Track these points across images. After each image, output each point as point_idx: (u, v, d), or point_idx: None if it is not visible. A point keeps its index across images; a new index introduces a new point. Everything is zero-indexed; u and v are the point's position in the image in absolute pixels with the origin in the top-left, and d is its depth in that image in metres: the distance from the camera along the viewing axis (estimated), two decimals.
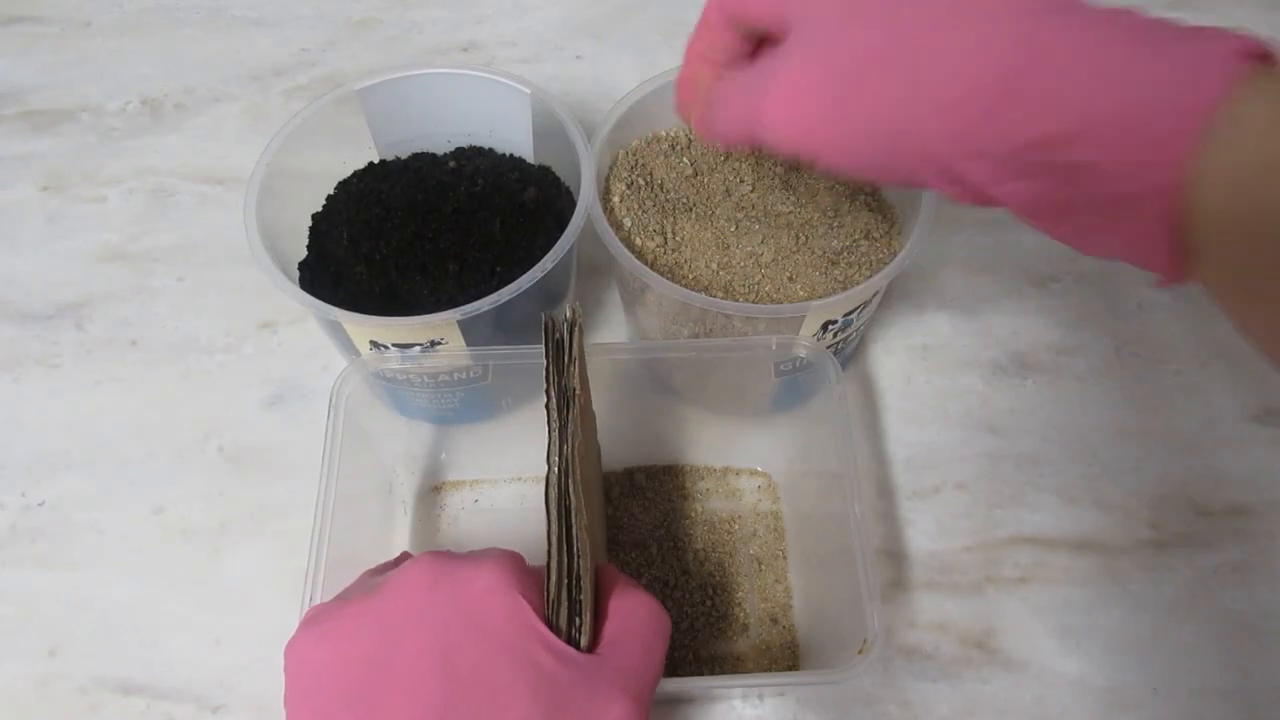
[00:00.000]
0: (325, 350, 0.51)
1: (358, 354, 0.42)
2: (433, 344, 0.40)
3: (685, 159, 0.50)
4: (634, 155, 0.49)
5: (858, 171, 0.28)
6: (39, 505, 0.46)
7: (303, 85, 0.63)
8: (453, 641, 0.27)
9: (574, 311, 0.33)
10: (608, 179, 0.48)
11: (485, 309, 0.38)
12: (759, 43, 0.31)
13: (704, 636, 0.42)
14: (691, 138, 0.50)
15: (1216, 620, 0.43)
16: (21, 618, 0.43)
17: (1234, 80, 0.21)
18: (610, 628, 0.30)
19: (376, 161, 0.50)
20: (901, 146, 0.26)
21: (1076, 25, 0.23)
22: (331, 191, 0.49)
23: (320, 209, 0.48)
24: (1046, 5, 0.24)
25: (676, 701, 0.41)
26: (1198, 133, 0.21)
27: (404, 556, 0.34)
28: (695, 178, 0.50)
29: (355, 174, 0.49)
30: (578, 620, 0.29)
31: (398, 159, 0.50)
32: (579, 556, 0.29)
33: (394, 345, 0.40)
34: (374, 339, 0.40)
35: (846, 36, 0.26)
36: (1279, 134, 0.20)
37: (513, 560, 0.30)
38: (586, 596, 0.29)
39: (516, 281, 0.39)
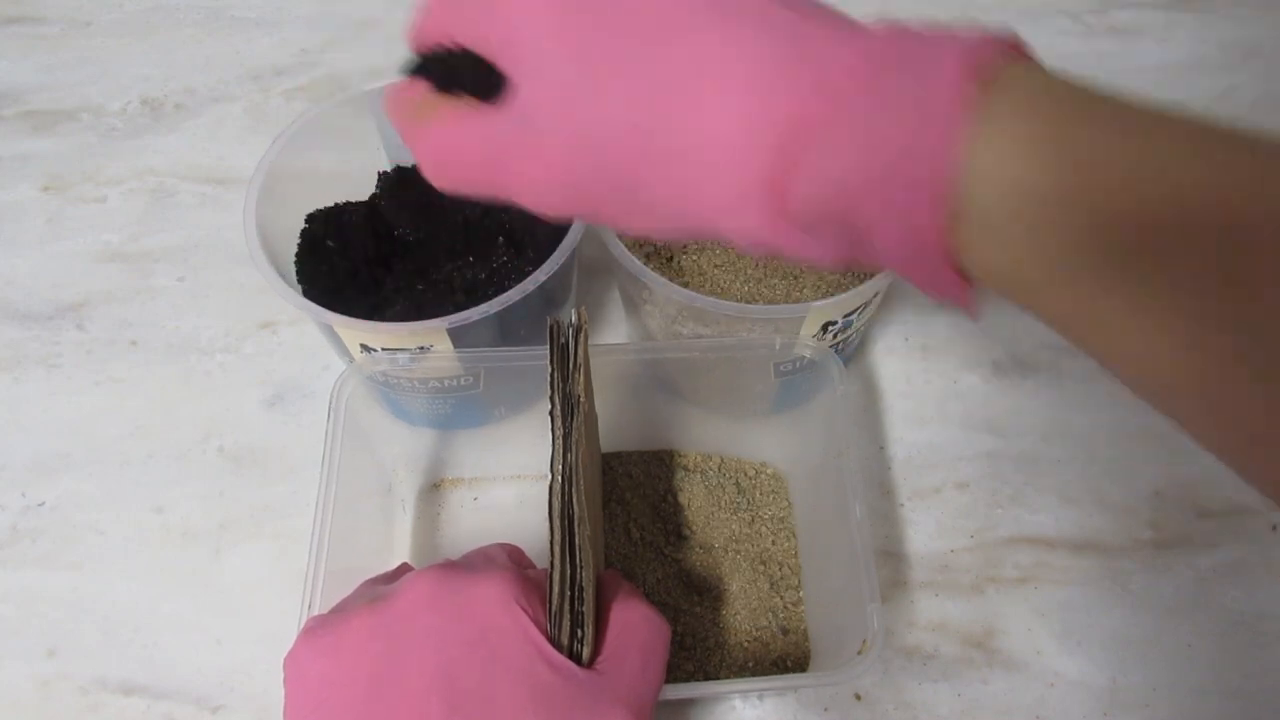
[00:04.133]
0: (325, 350, 0.51)
1: (351, 357, 0.42)
2: (422, 350, 0.40)
3: None
4: None
5: (640, 235, 0.26)
6: (39, 506, 0.46)
7: (303, 85, 0.63)
8: (454, 658, 0.27)
9: (579, 315, 0.32)
10: None
11: (474, 319, 0.38)
12: None
13: (705, 638, 0.42)
14: None
15: (1216, 620, 0.43)
16: (22, 618, 0.43)
17: (962, 119, 0.20)
18: (610, 639, 0.30)
19: (380, 163, 0.50)
20: (681, 221, 0.24)
21: (833, 88, 0.21)
22: (332, 192, 0.49)
23: (320, 209, 0.48)
24: (794, 54, 0.21)
25: (677, 702, 0.41)
26: (943, 191, 0.20)
27: (404, 568, 0.34)
28: None
29: (356, 175, 0.49)
30: (579, 632, 0.28)
31: (397, 162, 0.50)
32: (581, 567, 0.29)
33: (383, 349, 0.40)
34: (364, 342, 0.40)
35: (587, 105, 0.23)
36: (1013, 191, 0.20)
37: (514, 569, 0.30)
38: (588, 608, 0.29)
39: (507, 294, 0.39)
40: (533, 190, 0.25)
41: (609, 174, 0.23)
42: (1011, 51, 0.21)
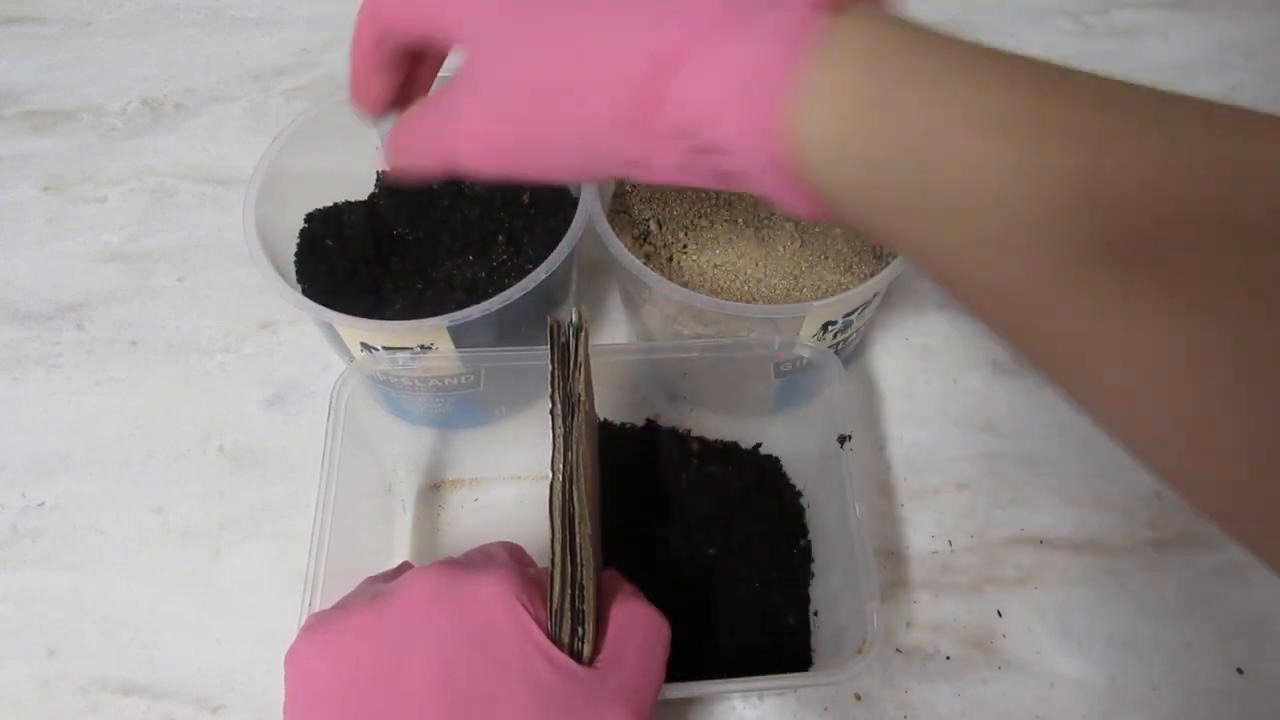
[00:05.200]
0: (325, 350, 0.51)
1: (351, 356, 0.42)
2: (422, 348, 0.40)
3: None
4: None
5: (558, 180, 0.29)
6: (40, 505, 0.46)
7: (303, 85, 0.63)
8: (455, 656, 0.27)
9: (579, 315, 0.32)
10: (620, 183, 0.48)
11: (475, 317, 0.38)
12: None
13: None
14: None
15: (1216, 620, 0.43)
16: (22, 618, 0.43)
17: (803, 46, 0.22)
18: (611, 637, 0.30)
19: (380, 163, 0.50)
20: (590, 154, 0.27)
21: (696, 24, 0.24)
22: (331, 192, 0.49)
23: (319, 209, 0.48)
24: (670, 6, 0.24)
25: (677, 702, 0.41)
26: (782, 107, 0.22)
27: (405, 566, 0.34)
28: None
29: (356, 175, 0.49)
30: (580, 630, 0.29)
31: None
32: (582, 566, 0.29)
33: (384, 348, 0.40)
34: (365, 341, 0.40)
35: (519, 60, 0.27)
36: (850, 103, 0.21)
37: (515, 567, 0.30)
38: (589, 606, 0.29)
39: (507, 291, 0.39)
40: (477, 147, 0.28)
41: (540, 117, 0.26)
42: None
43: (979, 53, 0.21)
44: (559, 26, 0.26)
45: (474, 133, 0.28)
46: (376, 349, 0.40)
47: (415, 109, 0.30)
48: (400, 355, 0.40)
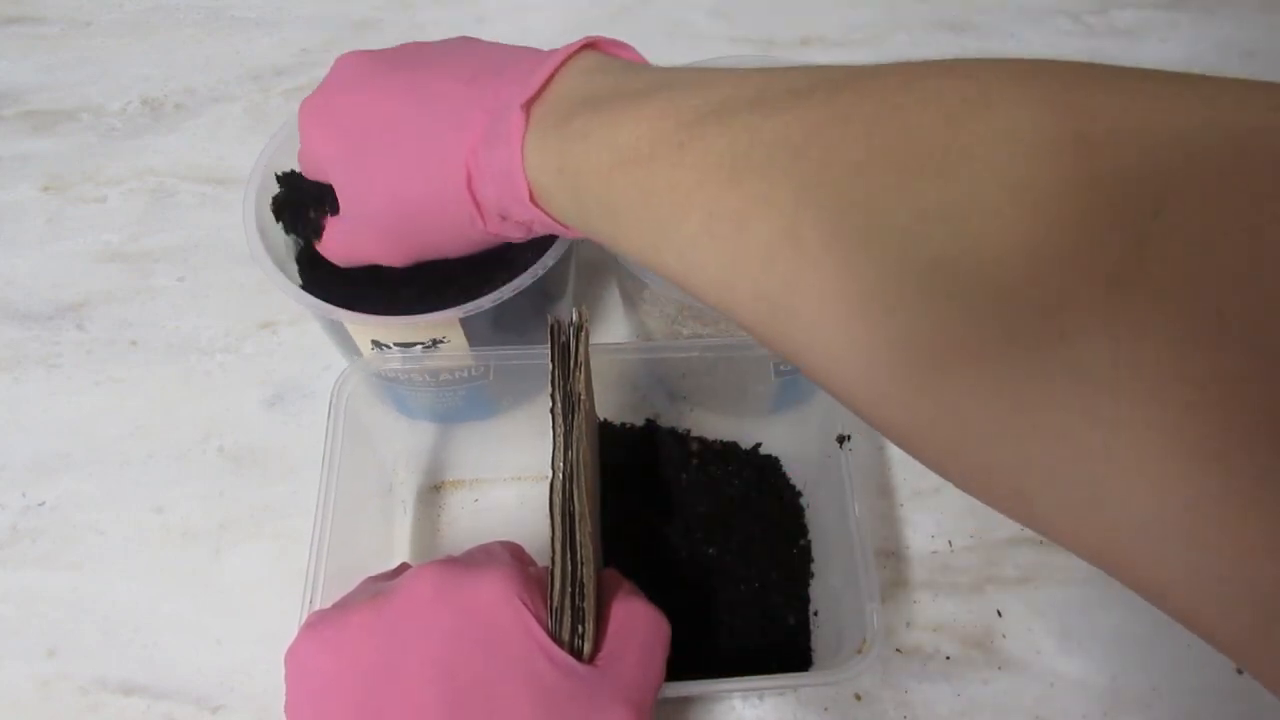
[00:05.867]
0: (326, 350, 0.51)
1: (359, 354, 0.42)
2: (434, 343, 0.40)
3: None
4: None
5: (450, 253, 0.37)
6: (40, 505, 0.46)
7: (303, 85, 0.63)
8: (456, 653, 0.27)
9: (580, 314, 0.33)
10: None
11: (487, 307, 0.38)
12: None
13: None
14: None
15: None
16: (22, 618, 0.43)
17: (520, 141, 0.29)
18: (611, 635, 0.30)
19: None
20: (449, 230, 0.35)
21: (487, 159, 0.31)
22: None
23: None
24: (456, 123, 0.32)
25: (677, 701, 0.41)
26: (523, 183, 0.30)
27: (403, 568, 0.34)
28: None
29: None
30: (580, 628, 0.29)
31: None
32: (582, 564, 0.29)
33: (395, 345, 0.40)
34: (375, 338, 0.40)
35: (352, 184, 0.35)
36: (551, 169, 0.29)
37: (516, 565, 0.30)
38: (589, 605, 0.29)
39: (517, 280, 0.39)
40: (376, 252, 0.36)
41: (400, 227, 0.35)
42: (589, 49, 0.32)
43: (640, 90, 0.27)
44: (388, 154, 0.34)
45: (369, 246, 0.36)
46: (387, 346, 0.41)
47: (326, 238, 0.38)
48: (412, 350, 0.40)
